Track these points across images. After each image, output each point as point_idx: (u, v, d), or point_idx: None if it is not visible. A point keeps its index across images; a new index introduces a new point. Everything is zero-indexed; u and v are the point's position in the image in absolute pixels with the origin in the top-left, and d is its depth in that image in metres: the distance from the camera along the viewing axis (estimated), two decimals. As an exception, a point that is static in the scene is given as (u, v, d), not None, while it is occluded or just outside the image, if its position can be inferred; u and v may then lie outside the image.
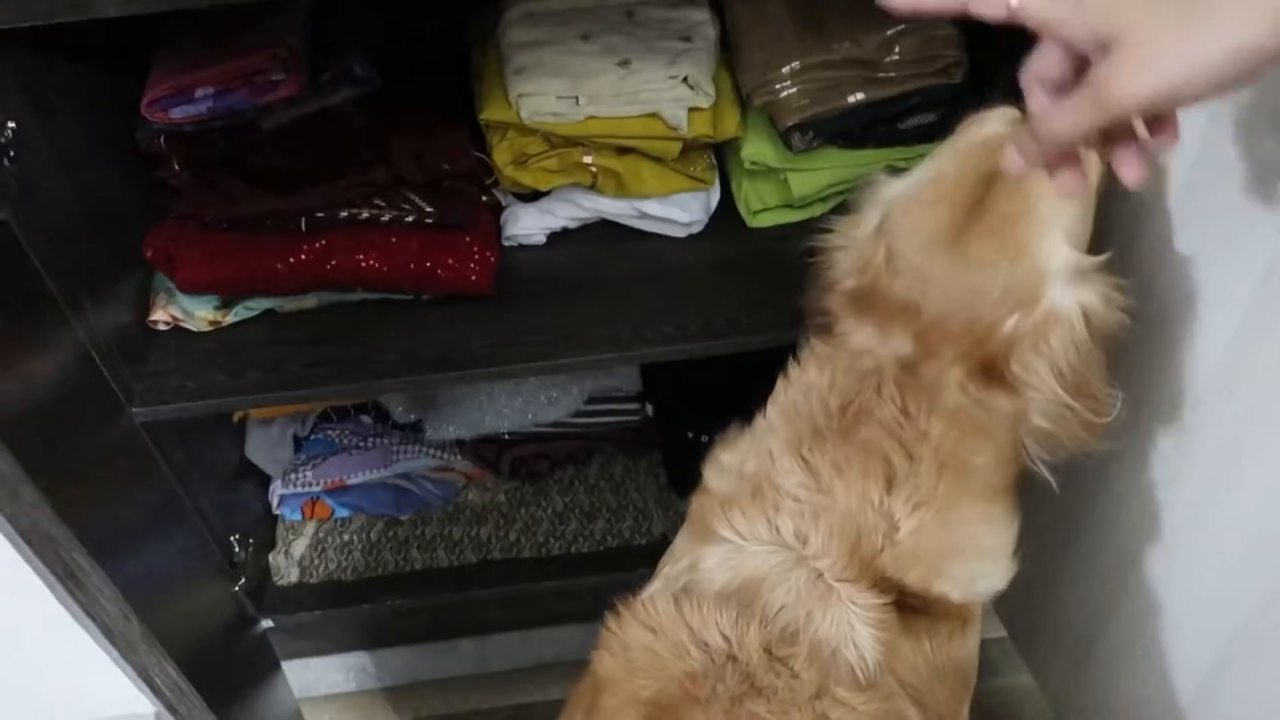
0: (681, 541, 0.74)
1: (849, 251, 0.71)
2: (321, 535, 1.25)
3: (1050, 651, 1.06)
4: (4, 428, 0.69)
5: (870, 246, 0.69)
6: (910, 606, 0.66)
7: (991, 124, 0.68)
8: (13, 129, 0.74)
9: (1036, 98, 0.52)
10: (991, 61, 0.97)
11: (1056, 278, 0.63)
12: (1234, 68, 0.42)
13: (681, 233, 1.02)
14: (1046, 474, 0.67)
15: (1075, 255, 0.64)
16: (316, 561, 1.23)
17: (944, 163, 0.68)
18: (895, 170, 0.80)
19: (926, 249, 0.66)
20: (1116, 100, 0.45)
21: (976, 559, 0.68)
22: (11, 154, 0.73)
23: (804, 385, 0.71)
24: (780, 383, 0.73)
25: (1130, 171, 0.52)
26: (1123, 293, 0.64)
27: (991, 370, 0.64)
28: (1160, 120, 0.51)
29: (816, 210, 1.02)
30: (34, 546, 0.73)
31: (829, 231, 0.73)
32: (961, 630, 0.68)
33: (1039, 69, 0.52)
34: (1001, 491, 0.68)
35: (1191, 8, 0.42)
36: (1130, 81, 0.45)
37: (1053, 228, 0.63)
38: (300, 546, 1.23)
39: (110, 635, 0.81)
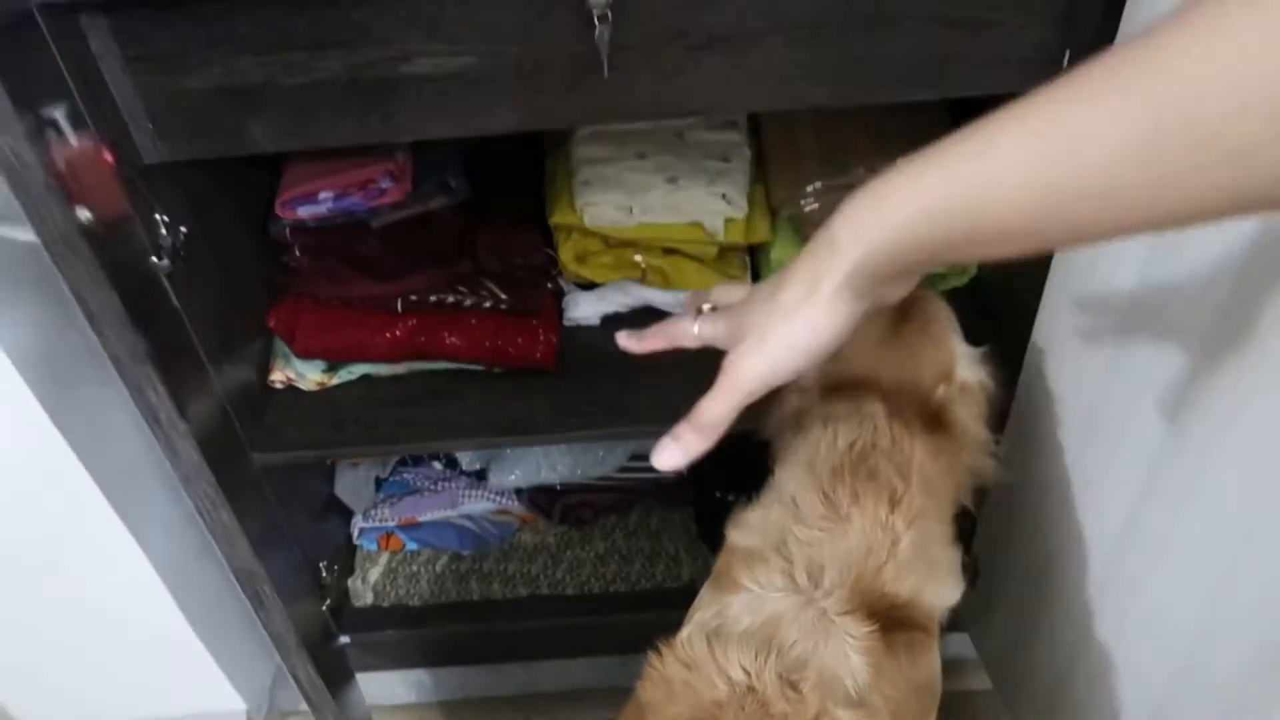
0: (708, 593, 0.88)
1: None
2: (394, 565, 1.42)
3: (1028, 702, 1.19)
4: (227, 485, 0.88)
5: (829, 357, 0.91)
6: (896, 623, 0.79)
7: None
8: (184, 232, 0.93)
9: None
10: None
11: (962, 360, 0.87)
12: (809, 342, 0.57)
13: (716, 321, 1.18)
14: (972, 509, 0.89)
15: (968, 347, 0.88)
16: (388, 588, 1.40)
17: None
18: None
19: (875, 346, 0.89)
20: (742, 381, 0.60)
21: (944, 572, 0.83)
22: (181, 253, 0.92)
23: (812, 442, 0.87)
24: (785, 451, 0.90)
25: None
26: (996, 375, 0.90)
27: (938, 420, 0.85)
28: None
29: (834, 305, 1.18)
30: (240, 581, 0.93)
31: None
32: (928, 643, 0.82)
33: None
34: (951, 521, 0.85)
35: (773, 309, 0.57)
36: (749, 365, 0.59)
37: (951, 330, 0.89)
38: (375, 574, 1.41)
39: (279, 643, 0.99)
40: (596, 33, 0.77)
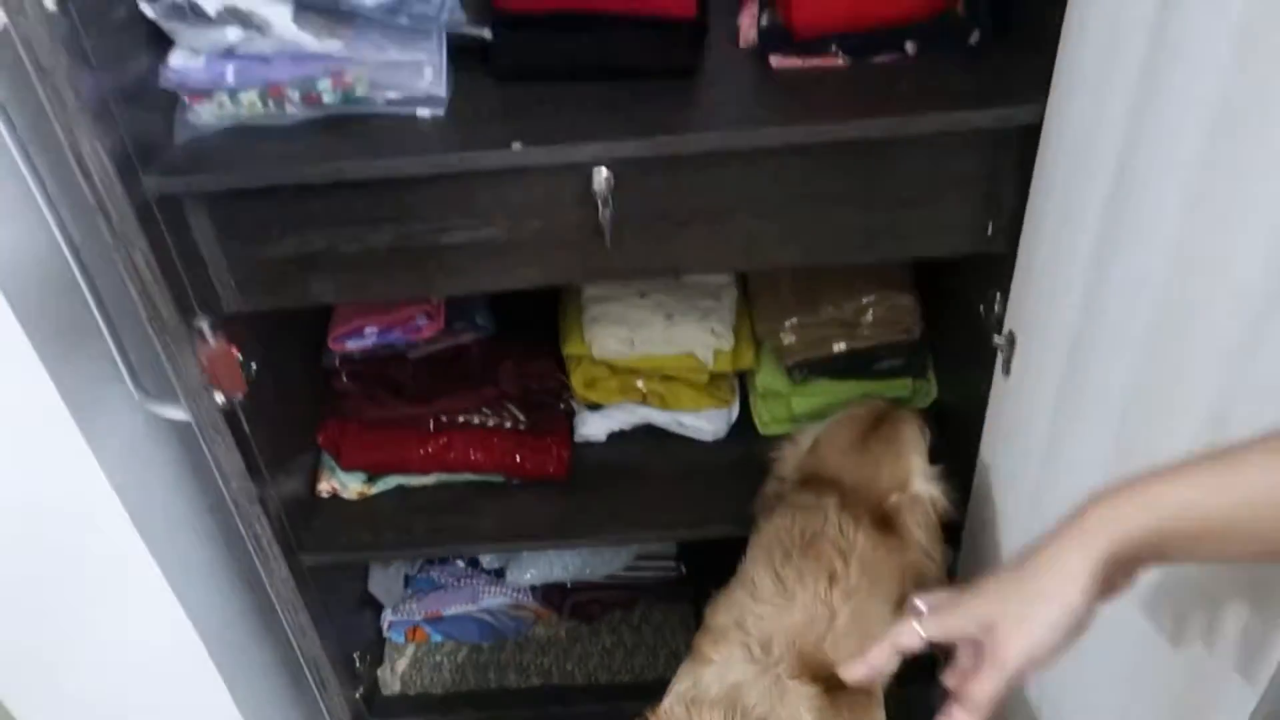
0: (686, 666, 1.02)
1: (795, 455, 1.11)
2: (419, 656, 1.56)
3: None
4: (304, 585, 1.03)
5: (808, 453, 1.07)
6: (838, 684, 0.92)
7: (871, 401, 1.12)
8: (254, 367, 1.10)
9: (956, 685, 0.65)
10: (942, 325, 1.30)
11: (917, 475, 1.01)
12: (1068, 621, 0.59)
13: (709, 438, 1.34)
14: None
15: (926, 465, 1.02)
16: (414, 677, 1.53)
17: (852, 409, 1.11)
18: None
19: (844, 450, 1.05)
20: (1011, 660, 0.61)
21: None
22: (251, 386, 1.09)
23: (774, 529, 1.04)
24: (753, 535, 1.07)
25: None
26: (950, 494, 1.04)
27: (887, 523, 1.00)
28: None
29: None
30: (308, 667, 1.09)
31: (779, 448, 1.15)
32: (869, 702, 0.96)
33: (959, 671, 0.65)
34: (896, 603, 0.98)
35: (1027, 593, 0.61)
36: (1015, 645, 0.61)
37: (913, 448, 1.05)
38: (403, 664, 1.54)
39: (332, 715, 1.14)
40: (600, 213, 0.95)
